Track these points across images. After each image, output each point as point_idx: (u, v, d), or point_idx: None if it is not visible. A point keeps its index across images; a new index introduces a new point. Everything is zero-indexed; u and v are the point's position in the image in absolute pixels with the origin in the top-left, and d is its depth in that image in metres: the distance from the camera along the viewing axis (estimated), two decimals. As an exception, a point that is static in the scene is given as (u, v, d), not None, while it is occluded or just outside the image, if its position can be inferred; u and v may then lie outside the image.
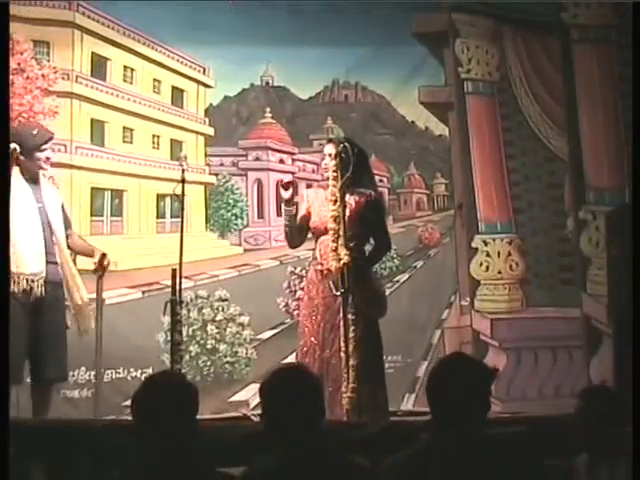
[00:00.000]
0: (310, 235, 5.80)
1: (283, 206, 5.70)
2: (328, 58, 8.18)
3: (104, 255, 5.82)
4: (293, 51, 8.01)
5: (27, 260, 5.45)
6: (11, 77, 7.09)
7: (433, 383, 3.38)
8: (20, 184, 5.55)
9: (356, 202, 5.63)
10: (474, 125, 8.03)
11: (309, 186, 7.93)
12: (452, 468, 3.19)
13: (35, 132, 5.75)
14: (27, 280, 5.51)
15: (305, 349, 5.60)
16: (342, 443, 4.21)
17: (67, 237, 5.85)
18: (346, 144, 5.55)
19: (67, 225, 5.89)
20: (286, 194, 5.60)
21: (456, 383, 3.31)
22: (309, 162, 8.21)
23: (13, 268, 5.24)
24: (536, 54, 8.20)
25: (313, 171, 8.16)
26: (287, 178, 5.77)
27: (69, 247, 5.94)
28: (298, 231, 5.74)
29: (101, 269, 5.84)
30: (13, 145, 5.48)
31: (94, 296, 6.39)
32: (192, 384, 3.37)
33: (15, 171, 5.57)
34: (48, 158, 5.71)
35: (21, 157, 5.58)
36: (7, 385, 4.01)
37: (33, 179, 5.64)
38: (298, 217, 5.71)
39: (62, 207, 5.92)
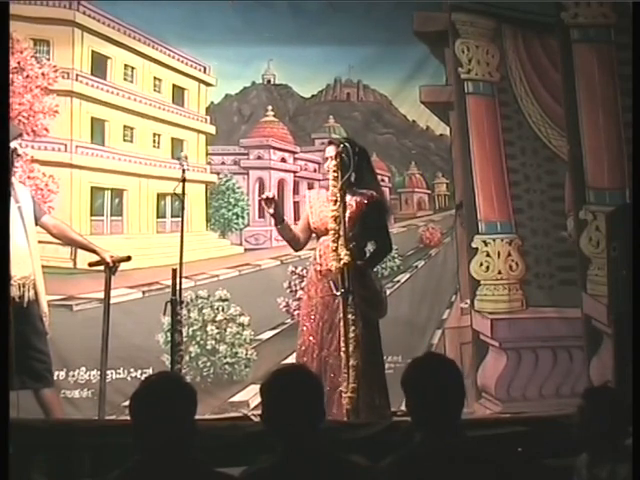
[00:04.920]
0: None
1: (274, 225, 5.82)
2: (330, 56, 8.15)
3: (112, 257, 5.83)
4: (294, 49, 8.00)
5: (16, 263, 5.29)
6: (11, 76, 7.09)
7: (407, 384, 3.40)
8: None
9: (357, 203, 5.64)
10: (474, 125, 8.02)
11: (310, 185, 7.95)
12: (446, 467, 3.20)
13: None
14: (19, 285, 5.49)
15: (303, 348, 5.61)
16: (342, 443, 4.22)
17: (46, 226, 5.83)
18: (346, 144, 5.55)
19: (40, 214, 5.86)
20: (270, 210, 5.63)
21: (429, 383, 3.33)
22: (311, 161, 8.19)
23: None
24: (536, 54, 8.20)
25: (315, 170, 8.14)
26: (266, 194, 5.75)
27: (54, 236, 5.93)
28: (299, 238, 5.82)
29: (108, 269, 5.84)
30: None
31: (90, 296, 6.42)
32: (190, 385, 3.38)
33: None
34: (18, 155, 5.66)
35: None
36: (7, 385, 4.00)
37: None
38: (300, 223, 5.77)
39: (32, 198, 5.89)
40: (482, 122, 8.07)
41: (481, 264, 7.90)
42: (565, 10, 8.09)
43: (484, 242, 7.92)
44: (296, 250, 6.06)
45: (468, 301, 7.83)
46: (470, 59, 8.13)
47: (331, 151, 5.61)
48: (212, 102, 8.13)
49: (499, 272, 7.90)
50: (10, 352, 5.06)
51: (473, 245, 7.91)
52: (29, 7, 7.46)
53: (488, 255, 7.92)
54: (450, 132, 8.28)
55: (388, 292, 7.65)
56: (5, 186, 4.80)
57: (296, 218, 7.19)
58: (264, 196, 5.69)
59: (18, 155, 5.65)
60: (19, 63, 7.35)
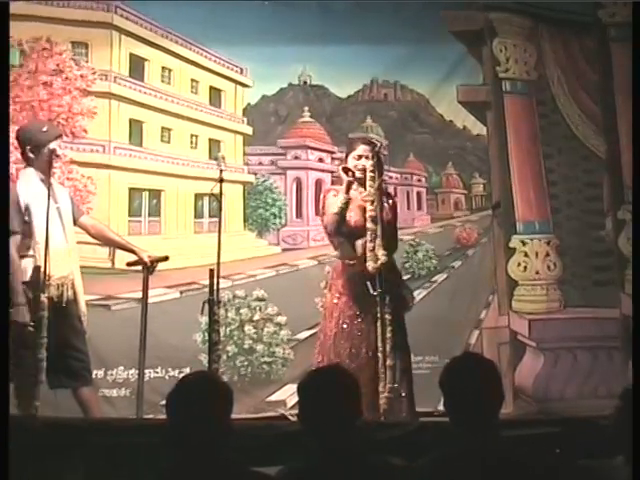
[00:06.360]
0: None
1: (343, 192, 5.59)
2: (367, 56, 8.13)
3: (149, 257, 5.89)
4: (331, 50, 7.97)
5: (55, 263, 5.43)
6: (50, 78, 7.28)
7: (445, 384, 3.40)
8: (38, 185, 5.57)
9: (391, 205, 5.67)
10: (511, 125, 7.99)
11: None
12: (482, 467, 3.19)
13: (45, 129, 5.79)
14: (58, 285, 5.53)
15: (364, 350, 5.55)
16: (378, 443, 4.23)
17: (84, 226, 5.90)
18: (382, 144, 5.56)
19: (78, 215, 5.92)
20: (349, 176, 5.53)
21: (467, 383, 3.32)
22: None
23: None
24: (573, 53, 8.15)
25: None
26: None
27: (92, 236, 6.00)
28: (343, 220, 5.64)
29: (146, 269, 5.88)
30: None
31: (127, 295, 6.45)
32: (226, 384, 3.40)
33: (30, 172, 5.61)
34: (57, 155, 5.71)
35: (31, 155, 5.61)
36: (7, 385, 4.05)
37: (46, 178, 5.63)
38: None
39: (71, 199, 5.95)
40: (519, 121, 8.03)
41: (519, 264, 7.87)
42: (602, 8, 8.03)
43: (522, 242, 7.88)
44: (334, 233, 5.76)
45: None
46: (508, 58, 8.09)
47: (367, 149, 5.61)
48: (249, 103, 8.15)
49: (537, 272, 7.86)
50: (49, 351, 5.18)
51: (511, 245, 7.87)
52: (68, 10, 7.55)
53: (526, 255, 7.88)
54: (487, 132, 8.25)
55: (425, 292, 7.71)
56: (5, 186, 4.87)
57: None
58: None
59: (57, 156, 5.71)
60: (58, 65, 7.43)
